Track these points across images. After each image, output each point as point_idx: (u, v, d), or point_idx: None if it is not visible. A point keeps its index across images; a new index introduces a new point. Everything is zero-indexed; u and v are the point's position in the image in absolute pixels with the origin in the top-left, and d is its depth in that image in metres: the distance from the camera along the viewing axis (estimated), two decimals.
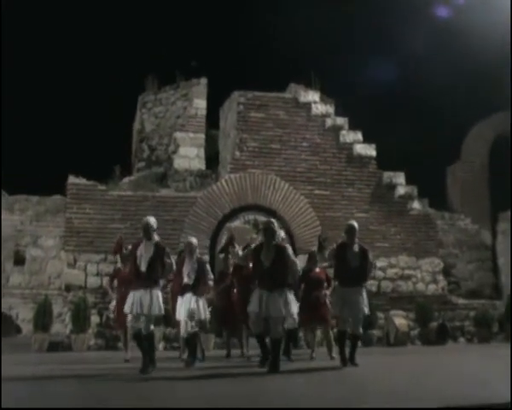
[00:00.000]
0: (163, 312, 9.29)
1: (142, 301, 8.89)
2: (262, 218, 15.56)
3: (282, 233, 11.31)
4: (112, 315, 11.32)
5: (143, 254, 9.06)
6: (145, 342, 9.16)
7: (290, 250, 9.37)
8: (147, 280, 9.00)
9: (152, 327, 9.16)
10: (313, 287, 11.02)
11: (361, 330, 10.02)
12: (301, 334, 12.99)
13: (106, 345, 13.87)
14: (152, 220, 9.33)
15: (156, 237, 9.31)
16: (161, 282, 9.67)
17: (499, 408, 5.77)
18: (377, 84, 23.15)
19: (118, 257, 10.08)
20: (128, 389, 7.66)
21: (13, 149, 23.21)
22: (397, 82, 23.34)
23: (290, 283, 9.48)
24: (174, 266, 9.63)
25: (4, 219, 18.39)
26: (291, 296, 10.27)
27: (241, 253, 10.05)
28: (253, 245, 9.89)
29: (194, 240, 10.58)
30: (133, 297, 8.97)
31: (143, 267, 9.02)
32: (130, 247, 9.31)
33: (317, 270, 11.21)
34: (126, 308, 9.07)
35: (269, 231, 9.21)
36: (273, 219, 10.01)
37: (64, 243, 15.24)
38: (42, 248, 18.61)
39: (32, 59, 26.39)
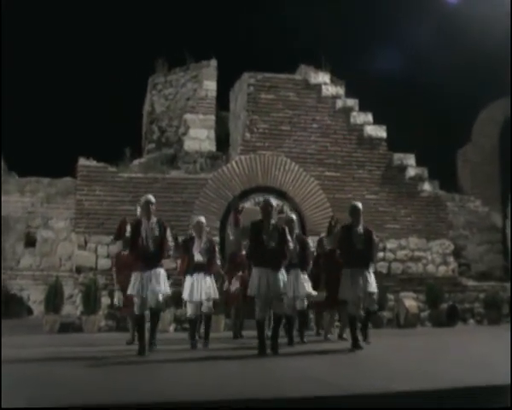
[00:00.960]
0: (169, 291, 9.40)
1: (152, 281, 8.87)
2: (272, 200, 15.56)
3: (293, 216, 11.32)
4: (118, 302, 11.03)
5: (149, 234, 9.04)
6: (155, 317, 9.27)
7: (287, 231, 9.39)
8: (155, 260, 9.00)
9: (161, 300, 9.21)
10: (337, 268, 10.64)
11: (376, 306, 10.09)
12: (311, 315, 13.00)
13: (116, 326, 13.92)
14: (153, 199, 9.29)
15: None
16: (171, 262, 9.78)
17: (498, 390, 5.79)
18: (386, 67, 23.02)
19: (119, 242, 10.00)
20: (136, 371, 7.71)
21: (23, 132, 23.28)
22: (406, 65, 23.20)
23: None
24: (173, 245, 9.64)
25: (15, 201, 18.47)
26: (303, 276, 10.42)
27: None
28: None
29: (202, 219, 10.56)
30: (141, 278, 8.90)
31: (152, 247, 9.01)
32: (128, 228, 9.25)
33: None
34: (132, 290, 8.99)
35: (268, 210, 9.18)
36: (271, 198, 9.91)
37: (74, 225, 15.28)
38: (52, 229, 18.67)
39: (43, 40, 26.35)
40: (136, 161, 16.56)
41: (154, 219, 9.18)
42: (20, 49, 24.08)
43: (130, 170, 15.59)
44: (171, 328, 13.81)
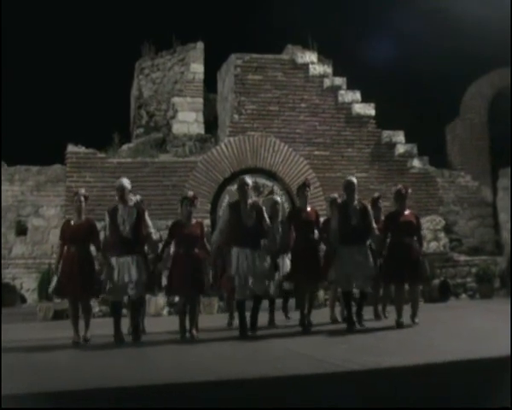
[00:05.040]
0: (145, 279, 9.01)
1: (131, 269, 8.73)
2: (262, 180, 15.59)
3: (277, 198, 11.24)
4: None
5: (126, 220, 8.85)
6: (133, 307, 9.14)
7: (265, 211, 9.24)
8: (132, 246, 8.83)
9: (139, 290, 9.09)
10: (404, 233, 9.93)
11: (369, 288, 9.98)
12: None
13: (110, 312, 13.90)
14: (126, 184, 9.07)
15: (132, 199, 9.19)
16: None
17: (499, 361, 5.83)
18: (374, 46, 23.02)
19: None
20: (128, 354, 7.76)
21: (11, 120, 23.16)
22: (393, 43, 23.17)
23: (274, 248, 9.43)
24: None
25: (5, 190, 18.39)
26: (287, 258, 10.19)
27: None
28: (224, 202, 9.77)
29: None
30: (117, 264, 8.78)
31: (129, 233, 8.82)
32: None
33: (407, 212, 10.01)
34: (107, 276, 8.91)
35: (244, 190, 9.04)
36: (246, 177, 9.63)
37: (65, 212, 15.23)
38: (43, 217, 18.60)
39: (30, 27, 26.21)
40: (124, 146, 16.54)
41: (131, 204, 9.06)
42: (5, 37, 23.92)
43: (119, 155, 15.58)
44: (165, 311, 13.83)
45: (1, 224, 18.03)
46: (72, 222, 9.44)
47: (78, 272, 8.94)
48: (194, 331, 9.05)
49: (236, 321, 9.89)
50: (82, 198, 9.34)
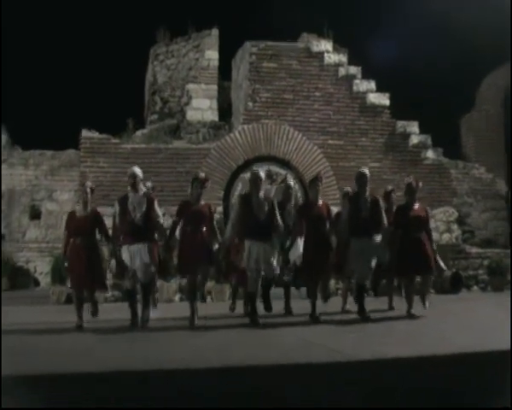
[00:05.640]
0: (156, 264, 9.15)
1: (141, 254, 8.82)
2: (276, 168, 15.58)
3: (290, 182, 11.19)
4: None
5: (136, 208, 8.92)
6: (145, 290, 9.11)
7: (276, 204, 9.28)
8: (143, 234, 8.87)
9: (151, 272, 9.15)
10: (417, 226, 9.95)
11: (367, 281, 10.00)
12: None
13: (123, 297, 13.96)
14: (138, 172, 9.14)
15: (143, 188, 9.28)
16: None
17: (499, 354, 5.84)
18: (389, 35, 22.89)
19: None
20: (138, 339, 7.80)
21: (26, 105, 23.23)
22: (409, 32, 23.05)
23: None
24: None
25: (19, 174, 18.49)
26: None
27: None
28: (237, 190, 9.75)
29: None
30: (128, 252, 8.87)
31: (139, 221, 8.89)
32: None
33: (416, 205, 10.02)
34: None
35: (257, 183, 9.06)
36: (260, 170, 9.74)
37: (79, 197, 15.30)
38: (57, 202, 18.68)
39: (45, 12, 26.21)
40: (138, 132, 16.56)
41: (141, 193, 9.11)
42: (21, 22, 23.98)
43: (133, 141, 15.60)
44: (177, 297, 13.88)
45: (1, 207, 18.12)
46: (77, 213, 9.54)
47: (85, 264, 9.04)
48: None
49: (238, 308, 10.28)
50: (88, 190, 9.46)
